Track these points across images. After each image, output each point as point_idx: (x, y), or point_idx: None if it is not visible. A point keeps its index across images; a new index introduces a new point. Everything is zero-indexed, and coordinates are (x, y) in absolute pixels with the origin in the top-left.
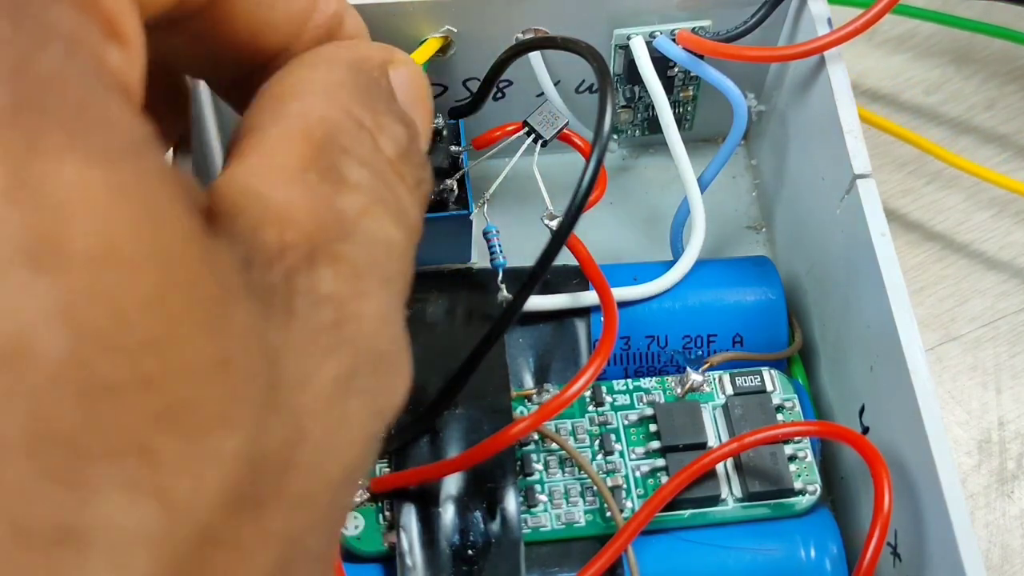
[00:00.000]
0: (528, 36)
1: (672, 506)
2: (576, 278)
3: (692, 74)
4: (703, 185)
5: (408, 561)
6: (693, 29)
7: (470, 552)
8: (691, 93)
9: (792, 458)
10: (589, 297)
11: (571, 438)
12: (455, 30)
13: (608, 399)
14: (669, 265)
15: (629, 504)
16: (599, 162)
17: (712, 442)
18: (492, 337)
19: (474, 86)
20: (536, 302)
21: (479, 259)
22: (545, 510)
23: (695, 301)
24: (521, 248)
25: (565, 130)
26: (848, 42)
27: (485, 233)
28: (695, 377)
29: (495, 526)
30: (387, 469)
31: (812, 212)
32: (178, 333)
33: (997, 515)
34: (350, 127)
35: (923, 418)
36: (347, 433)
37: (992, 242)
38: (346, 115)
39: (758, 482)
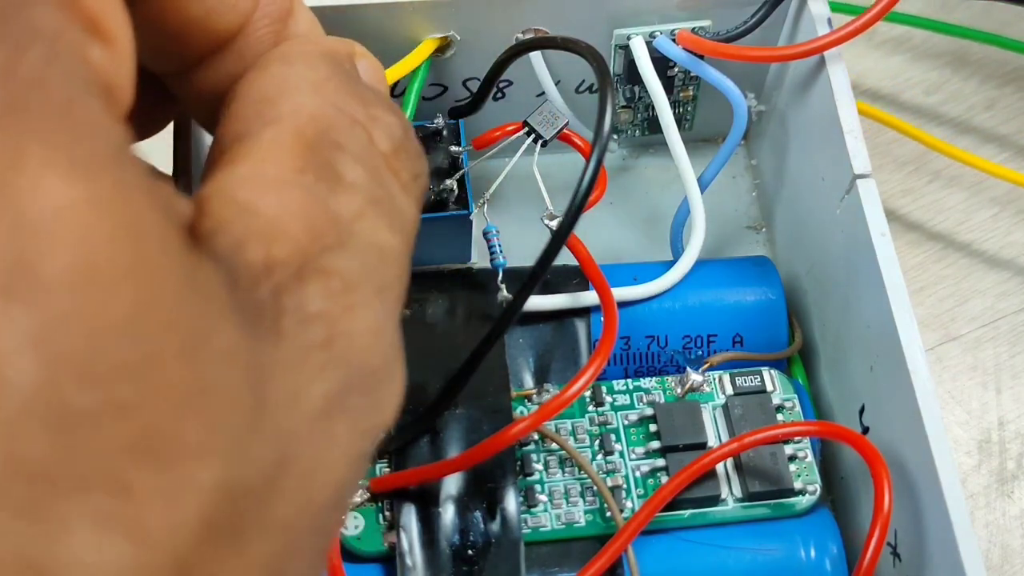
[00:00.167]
0: (528, 36)
1: (672, 506)
2: (576, 278)
3: (692, 74)
4: (703, 185)
5: (408, 561)
6: (693, 29)
7: (470, 552)
8: (691, 93)
9: (792, 458)
10: (589, 297)
11: (571, 438)
12: (455, 33)
13: (608, 399)
14: (669, 265)
15: (629, 504)
16: (599, 162)
17: (712, 442)
18: (492, 337)
19: (474, 86)
20: (536, 302)
21: (479, 259)
22: (545, 510)
23: (695, 301)
24: (521, 248)
25: (565, 130)
26: (848, 42)
27: (485, 233)
28: (695, 377)
29: (495, 526)
30: (387, 469)
31: (812, 212)
32: (155, 358)
33: (997, 515)
34: (343, 123)
35: (923, 418)
36: (334, 453)
37: (992, 242)
38: (338, 111)
39: (758, 482)
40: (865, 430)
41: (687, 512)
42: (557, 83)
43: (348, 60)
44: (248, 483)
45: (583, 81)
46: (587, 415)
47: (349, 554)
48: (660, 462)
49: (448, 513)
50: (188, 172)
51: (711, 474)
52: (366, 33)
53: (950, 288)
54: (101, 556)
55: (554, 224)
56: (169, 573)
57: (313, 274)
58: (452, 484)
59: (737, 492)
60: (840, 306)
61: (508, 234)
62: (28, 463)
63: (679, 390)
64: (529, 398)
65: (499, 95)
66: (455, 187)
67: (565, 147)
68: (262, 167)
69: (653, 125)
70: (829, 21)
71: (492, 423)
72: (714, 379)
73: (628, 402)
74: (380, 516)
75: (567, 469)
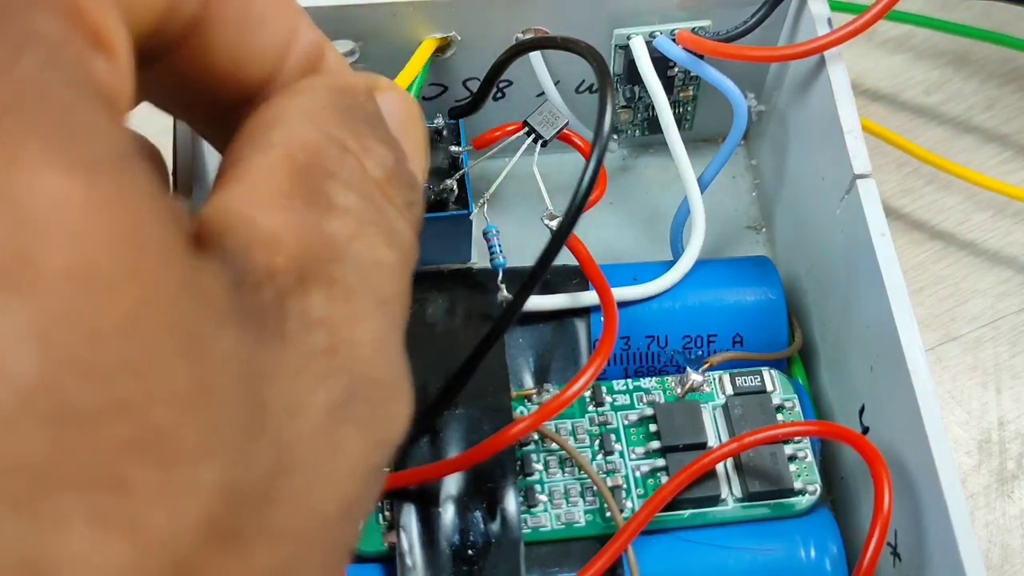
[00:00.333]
0: (528, 36)
1: (672, 506)
2: (576, 278)
3: (692, 74)
4: (703, 185)
5: (408, 561)
6: (693, 29)
7: (470, 552)
8: (691, 93)
9: (792, 458)
10: (589, 297)
11: (571, 438)
12: (456, 33)
13: (608, 399)
14: (669, 265)
15: (629, 504)
16: (599, 162)
17: (712, 442)
18: (492, 337)
19: (474, 86)
20: (536, 302)
21: (479, 259)
22: (545, 510)
23: (695, 301)
24: (521, 248)
25: (565, 130)
26: (848, 42)
27: (485, 233)
28: (695, 377)
29: (495, 526)
30: (387, 469)
31: (812, 212)
32: (155, 358)
33: (997, 515)
34: (333, 151)
35: (923, 418)
36: (342, 464)
37: (992, 242)
38: (328, 139)
39: (758, 482)
40: (865, 430)
41: (687, 512)
42: (557, 83)
43: (364, 94)
44: (249, 487)
45: (583, 81)
46: (587, 415)
47: None
48: (660, 462)
49: (448, 513)
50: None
51: (711, 474)
52: (366, 33)
53: (950, 288)
54: (99, 555)
55: (554, 224)
56: (168, 574)
57: (315, 281)
58: (452, 484)
59: (737, 492)
60: (840, 306)
61: (508, 234)
62: (26, 459)
63: (679, 390)
64: (529, 398)
65: (499, 95)
66: (455, 187)
67: (565, 147)
68: (254, 187)
69: (653, 125)
70: (829, 21)
71: (492, 423)
72: (714, 379)
73: (628, 402)
74: (380, 516)
75: (567, 469)
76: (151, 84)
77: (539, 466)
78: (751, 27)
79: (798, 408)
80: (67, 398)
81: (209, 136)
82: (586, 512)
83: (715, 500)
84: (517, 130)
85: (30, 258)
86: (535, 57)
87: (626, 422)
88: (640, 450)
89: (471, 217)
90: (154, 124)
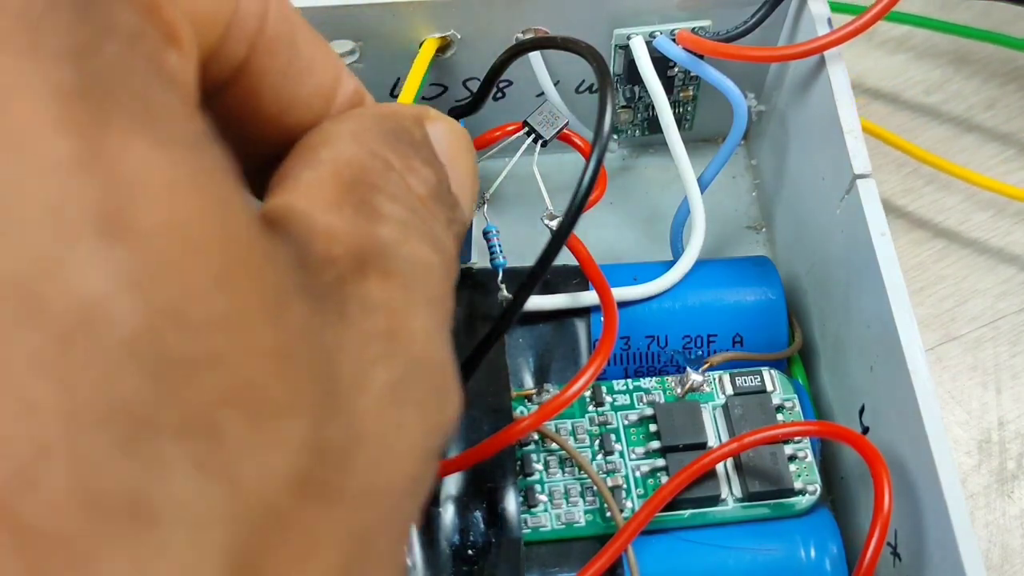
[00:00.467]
0: (528, 36)
1: (672, 506)
2: (576, 278)
3: (692, 74)
4: (703, 185)
5: (408, 561)
6: (693, 29)
7: (470, 552)
8: (691, 93)
9: (792, 458)
10: (589, 297)
11: (571, 438)
12: (456, 33)
13: (608, 399)
14: (669, 265)
15: (629, 504)
16: (599, 162)
17: (712, 442)
18: (492, 337)
19: (474, 86)
20: (536, 302)
21: (479, 259)
22: (545, 510)
23: (695, 301)
24: (521, 248)
25: (565, 130)
26: (848, 42)
27: (485, 233)
28: (695, 377)
29: (495, 526)
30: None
31: (812, 212)
32: (243, 316)
33: (997, 515)
34: (379, 167)
35: (923, 418)
36: (405, 442)
37: (992, 242)
38: (373, 156)
39: (758, 482)
40: (865, 430)
41: (687, 512)
42: (557, 83)
43: (410, 119)
44: (331, 448)
45: (583, 81)
46: (587, 415)
47: None
48: (660, 462)
49: (448, 513)
50: None
51: (711, 474)
52: (366, 33)
53: (950, 288)
54: (199, 499)
55: (554, 224)
56: (262, 520)
57: (373, 270)
58: (452, 484)
59: (737, 492)
60: (840, 306)
61: (508, 234)
62: (131, 403)
63: (679, 390)
64: (529, 398)
65: (499, 95)
66: None
67: (565, 147)
68: (305, 198)
69: (653, 125)
70: (829, 21)
71: (492, 423)
72: (714, 379)
73: (628, 402)
74: None
75: (567, 469)
76: None
77: (539, 466)
78: (751, 27)
79: (798, 408)
80: (166, 347)
81: (249, 182)
82: (586, 512)
83: (715, 500)
84: (517, 130)
85: (127, 213)
86: (535, 57)
87: (626, 422)
88: (640, 450)
89: None
90: None
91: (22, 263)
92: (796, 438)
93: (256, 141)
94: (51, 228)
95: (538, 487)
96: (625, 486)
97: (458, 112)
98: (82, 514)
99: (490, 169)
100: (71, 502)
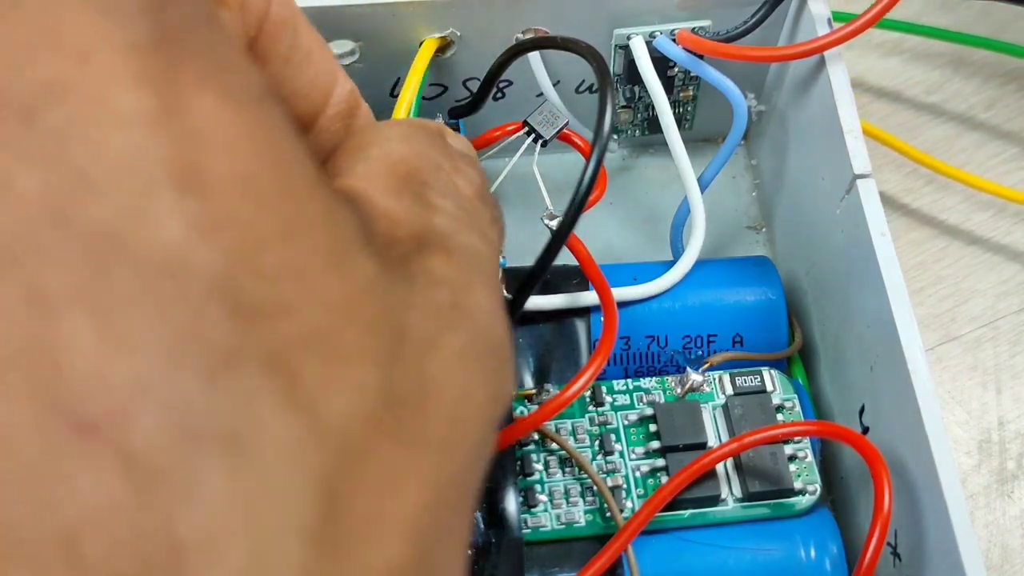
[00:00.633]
0: (528, 36)
1: (672, 506)
2: (576, 278)
3: (692, 74)
4: (703, 185)
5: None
6: (693, 29)
7: (470, 552)
8: (691, 93)
9: (792, 458)
10: (589, 297)
11: (571, 438)
12: (456, 32)
13: (608, 399)
14: (669, 265)
15: (629, 504)
16: (599, 162)
17: (712, 442)
18: None
19: (474, 86)
20: (536, 302)
21: None
22: (545, 510)
23: (695, 301)
24: (521, 248)
25: (565, 130)
26: (848, 42)
27: None
28: (695, 377)
29: (495, 526)
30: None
31: (812, 212)
32: (311, 267)
33: (997, 515)
34: (429, 166)
35: (923, 418)
36: (472, 405)
37: (992, 242)
38: (422, 156)
39: (758, 482)
40: (865, 430)
41: (687, 512)
42: (557, 83)
43: (435, 127)
44: (404, 397)
45: (583, 81)
46: (587, 415)
47: None
48: (660, 462)
49: None
50: None
51: (711, 474)
52: (366, 33)
53: (950, 288)
54: (287, 428)
55: (554, 224)
56: (345, 453)
57: (435, 249)
58: None
59: (737, 492)
60: (840, 306)
61: (508, 234)
62: (219, 341)
63: (679, 390)
64: (529, 398)
65: (499, 95)
66: None
67: (565, 147)
68: (361, 183)
69: (653, 125)
70: (829, 21)
71: None
72: (714, 379)
73: (628, 402)
74: None
75: (567, 469)
76: None
77: (539, 466)
78: (751, 27)
79: (798, 408)
80: (243, 291)
81: None
82: (586, 512)
83: (715, 500)
84: (517, 130)
85: (200, 166)
86: (535, 57)
87: (626, 422)
88: (640, 450)
89: None
90: None
91: (109, 212)
92: (796, 438)
93: None
94: (133, 180)
95: (538, 487)
96: (625, 486)
97: (458, 112)
98: (182, 442)
99: (490, 169)
100: (171, 432)
